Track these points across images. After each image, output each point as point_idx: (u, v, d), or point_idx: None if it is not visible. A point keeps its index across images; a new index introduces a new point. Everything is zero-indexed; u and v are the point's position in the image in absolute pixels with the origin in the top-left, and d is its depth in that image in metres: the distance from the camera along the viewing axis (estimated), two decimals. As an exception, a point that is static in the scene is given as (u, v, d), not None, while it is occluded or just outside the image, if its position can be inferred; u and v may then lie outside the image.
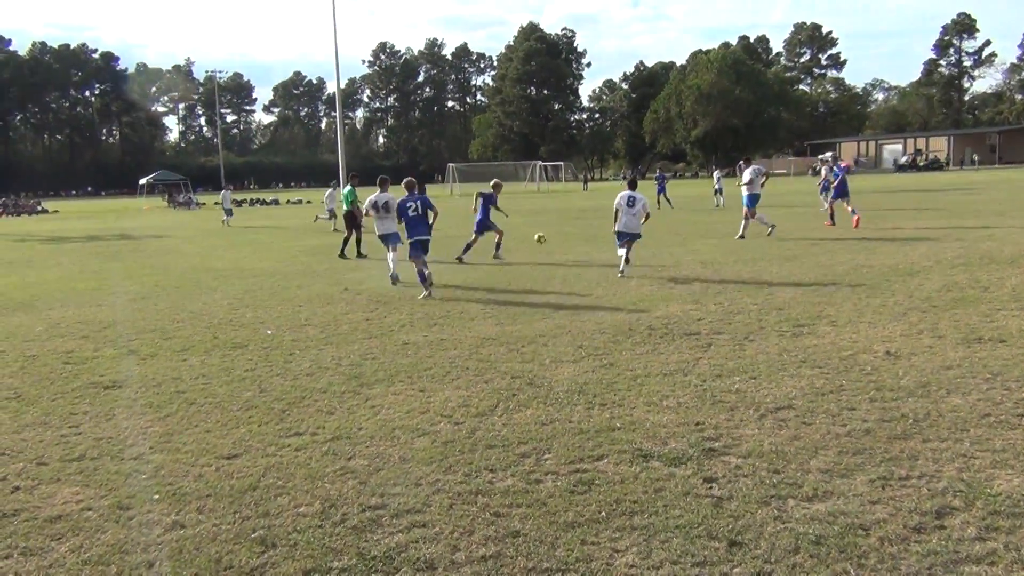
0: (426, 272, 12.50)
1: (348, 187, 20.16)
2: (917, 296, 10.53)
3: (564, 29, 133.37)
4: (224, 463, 5.44)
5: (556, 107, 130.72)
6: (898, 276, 12.27)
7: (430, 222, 13.31)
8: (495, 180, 18.51)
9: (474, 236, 17.41)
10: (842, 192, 21.59)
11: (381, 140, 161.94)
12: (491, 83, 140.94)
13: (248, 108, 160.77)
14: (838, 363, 7.36)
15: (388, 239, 13.75)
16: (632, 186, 14.13)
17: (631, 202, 13.77)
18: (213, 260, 19.75)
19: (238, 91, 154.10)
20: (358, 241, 18.92)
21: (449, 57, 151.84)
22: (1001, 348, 7.63)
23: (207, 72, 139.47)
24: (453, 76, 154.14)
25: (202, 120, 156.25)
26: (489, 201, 17.62)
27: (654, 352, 8.09)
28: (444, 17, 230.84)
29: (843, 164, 24.42)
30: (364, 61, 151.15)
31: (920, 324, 8.84)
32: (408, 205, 12.96)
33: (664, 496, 4.62)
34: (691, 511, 4.42)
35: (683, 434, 5.62)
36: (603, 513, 4.44)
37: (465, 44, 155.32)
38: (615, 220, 13.92)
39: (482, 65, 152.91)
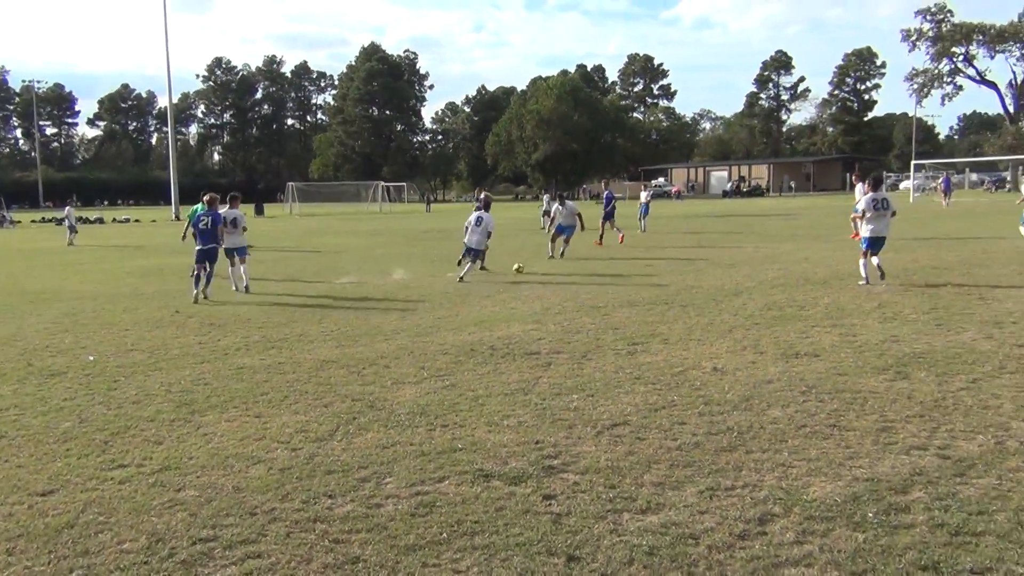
0: (202, 276, 14.04)
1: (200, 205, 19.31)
2: (741, 315, 11.13)
3: (406, 51, 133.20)
4: (38, 500, 5.07)
5: (399, 128, 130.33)
6: (724, 296, 12.94)
7: (219, 236, 14.57)
8: (484, 195, 19.77)
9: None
10: (609, 215, 25.27)
11: (217, 157, 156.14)
12: (332, 102, 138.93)
13: (70, 121, 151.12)
14: (670, 379, 7.67)
15: (234, 252, 15.16)
16: (486, 207, 17.26)
17: (478, 221, 16.50)
18: (29, 282, 18.43)
19: (59, 102, 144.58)
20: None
21: (288, 75, 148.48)
22: (815, 362, 8.17)
23: (24, 81, 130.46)
24: (293, 94, 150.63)
25: (18, 132, 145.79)
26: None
27: (495, 372, 8.17)
28: (283, 34, 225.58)
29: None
30: (198, 76, 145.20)
31: (744, 341, 9.35)
32: (201, 219, 14.47)
33: (505, 515, 4.66)
34: (531, 528, 4.47)
35: (523, 453, 5.69)
36: (444, 534, 4.43)
37: (305, 62, 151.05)
38: (465, 235, 16.55)
39: (323, 84, 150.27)
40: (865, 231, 13.82)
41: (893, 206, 13.93)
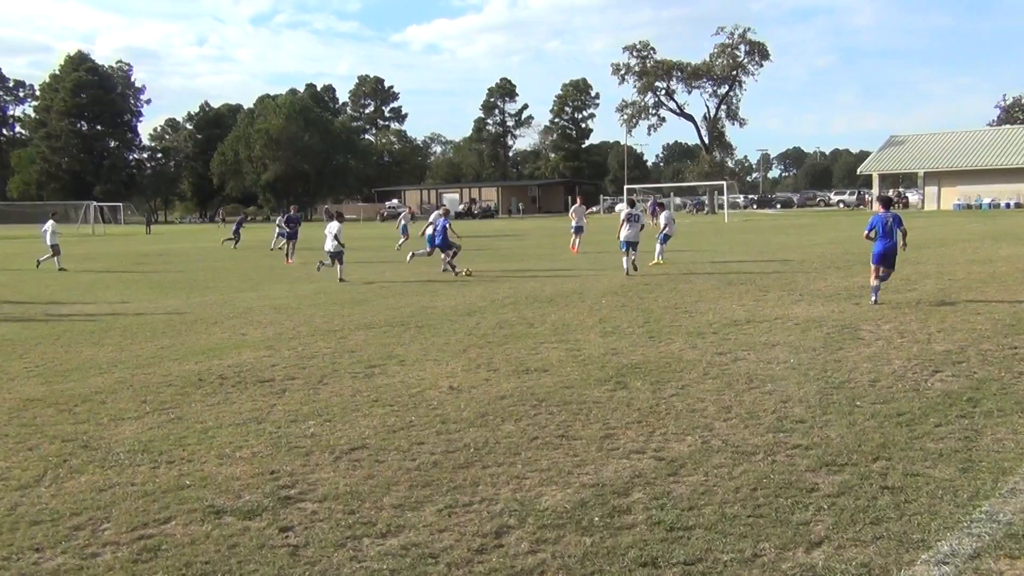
0: None
1: None
2: (475, 333, 11.45)
3: (120, 62, 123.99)
4: None
5: (112, 144, 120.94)
6: (458, 316, 13.24)
7: None
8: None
9: (431, 250, 22.16)
10: (292, 235, 28.13)
11: None
12: (33, 115, 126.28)
13: None
14: (407, 400, 7.71)
15: None
16: (339, 218, 20.99)
17: (330, 229, 20.10)
18: None
19: None
20: None
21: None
22: (545, 377, 8.57)
23: None
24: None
25: None
26: (445, 223, 21.62)
27: (226, 402, 7.80)
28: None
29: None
30: None
31: (478, 359, 9.61)
32: None
33: (238, 552, 4.45)
34: (267, 563, 4.30)
35: (257, 485, 5.47)
36: (172, 580, 4.15)
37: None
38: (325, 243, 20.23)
39: (22, 94, 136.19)
40: (622, 236, 18.87)
41: (642, 221, 19.73)
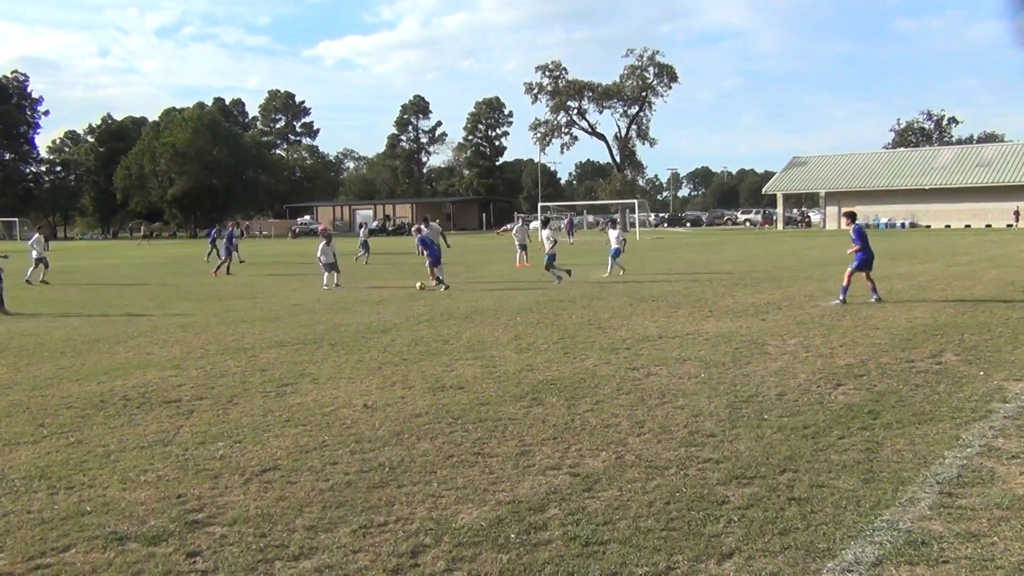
0: None
1: None
2: (390, 351, 11.34)
3: (15, 72, 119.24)
4: None
5: (7, 157, 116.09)
6: (373, 333, 13.10)
7: None
8: (433, 223, 23.74)
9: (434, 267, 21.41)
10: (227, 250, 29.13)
11: None
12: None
13: None
14: (320, 419, 7.58)
15: None
16: (328, 239, 22.53)
17: (327, 246, 21.62)
18: None
19: None
20: None
21: None
22: (460, 394, 8.54)
23: None
24: None
25: None
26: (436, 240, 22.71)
27: (130, 424, 7.53)
28: None
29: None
30: None
31: (393, 377, 9.52)
32: None
33: (143, 580, 4.29)
34: (174, 591, 4.16)
35: (163, 509, 5.29)
36: (71, 611, 3.97)
37: None
38: (324, 258, 21.59)
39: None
40: (548, 252, 21.46)
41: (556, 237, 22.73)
